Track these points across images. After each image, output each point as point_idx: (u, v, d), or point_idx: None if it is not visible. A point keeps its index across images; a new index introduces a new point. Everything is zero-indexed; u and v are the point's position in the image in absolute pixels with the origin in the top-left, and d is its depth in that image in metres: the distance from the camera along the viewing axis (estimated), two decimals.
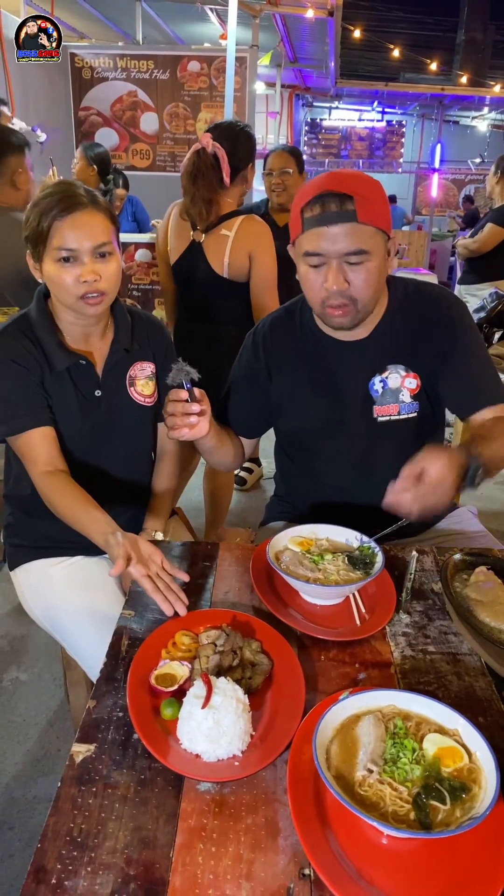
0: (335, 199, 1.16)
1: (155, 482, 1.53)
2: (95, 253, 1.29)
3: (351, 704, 0.78)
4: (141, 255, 4.86)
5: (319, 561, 1.11)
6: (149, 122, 6.22)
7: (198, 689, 0.83)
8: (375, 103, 11.97)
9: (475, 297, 3.66)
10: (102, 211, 1.32)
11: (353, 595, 1.10)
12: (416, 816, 0.66)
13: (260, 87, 9.22)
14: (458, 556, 1.17)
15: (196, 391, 1.17)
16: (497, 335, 2.74)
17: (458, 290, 4.27)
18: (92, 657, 1.24)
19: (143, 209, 5.41)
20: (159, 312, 5.00)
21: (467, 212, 11.78)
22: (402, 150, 13.21)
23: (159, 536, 1.42)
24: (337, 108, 12.64)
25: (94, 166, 3.96)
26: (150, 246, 4.85)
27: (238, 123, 2.34)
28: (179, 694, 0.87)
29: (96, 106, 6.24)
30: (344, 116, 13.04)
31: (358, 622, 1.04)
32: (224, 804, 0.74)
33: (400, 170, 13.23)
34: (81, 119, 6.28)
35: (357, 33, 7.37)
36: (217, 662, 0.92)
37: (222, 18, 5.57)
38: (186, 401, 1.16)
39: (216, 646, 0.95)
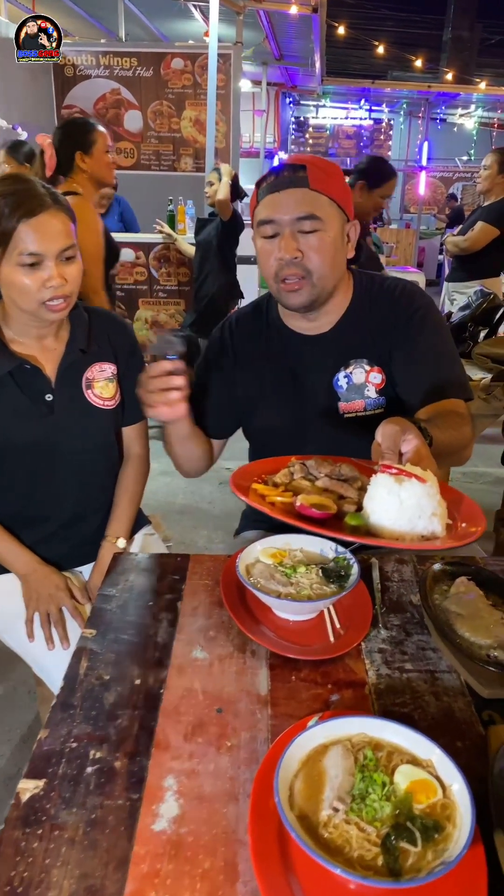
0: (288, 168, 1.19)
1: (119, 487, 1.47)
2: (61, 256, 1.24)
3: (318, 734, 0.73)
4: (125, 254, 4.80)
5: (292, 574, 1.05)
6: (133, 121, 6.15)
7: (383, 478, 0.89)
8: (363, 101, 11.95)
9: (463, 295, 3.62)
10: (64, 210, 1.27)
11: (328, 609, 1.04)
12: (385, 861, 0.61)
13: (246, 86, 9.18)
14: (437, 566, 1.12)
15: (180, 365, 1.12)
16: (483, 334, 2.70)
17: (447, 287, 4.24)
18: (57, 680, 1.18)
19: (130, 209, 5.34)
20: (144, 312, 4.95)
21: (452, 210, 11.80)
22: (389, 148, 13.20)
23: (122, 544, 1.37)
24: (324, 106, 12.62)
25: (27, 164, 3.82)
26: (134, 246, 4.79)
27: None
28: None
29: (79, 104, 6.15)
30: (331, 115, 13.02)
31: (332, 638, 0.99)
32: (181, 846, 0.68)
33: None
34: (64, 117, 6.18)
35: (342, 30, 7.33)
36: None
37: (206, 15, 5.50)
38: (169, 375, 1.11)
39: (308, 472, 1.04)
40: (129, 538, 1.48)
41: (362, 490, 0.98)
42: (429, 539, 0.86)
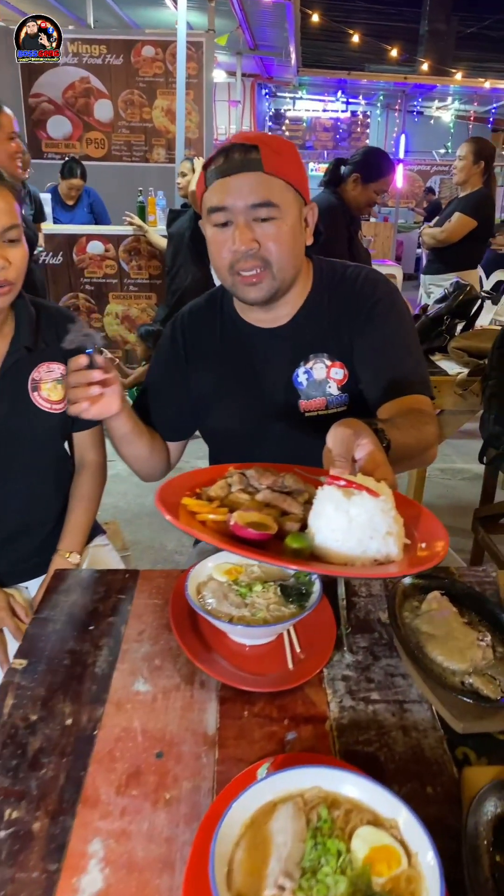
0: (239, 149, 1.08)
1: (73, 497, 1.36)
2: (4, 237, 1.12)
3: (265, 790, 0.63)
4: (93, 247, 4.66)
5: (247, 594, 0.95)
6: (103, 110, 5.98)
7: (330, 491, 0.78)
8: (339, 93, 11.86)
9: (439, 288, 3.54)
10: (7, 188, 1.15)
11: (287, 631, 0.94)
12: None
13: (220, 76, 9.02)
14: (407, 580, 1.03)
15: (99, 358, 1.02)
16: (459, 327, 2.62)
17: (423, 279, 4.17)
18: None
19: (100, 201, 5.20)
20: (115, 306, 4.81)
21: (429, 203, 11.76)
22: (367, 141, 13.13)
23: (75, 559, 1.26)
24: (301, 98, 12.50)
25: None
26: (103, 238, 4.65)
27: None
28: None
29: (47, 92, 5.97)
30: (308, 107, 12.91)
31: (291, 665, 0.89)
32: None
33: None
34: (32, 106, 6.00)
35: (315, 17, 7.21)
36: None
37: (176, 1, 5.35)
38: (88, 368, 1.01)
39: (248, 484, 0.91)
40: (84, 552, 1.37)
41: (309, 504, 0.86)
42: (382, 563, 0.75)
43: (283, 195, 1.09)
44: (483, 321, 2.89)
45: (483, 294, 2.82)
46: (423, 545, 0.76)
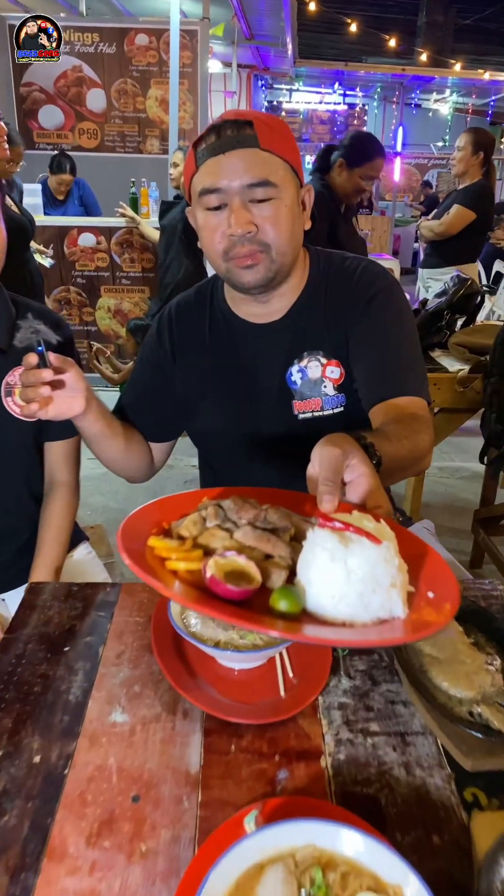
0: (232, 125, 1.00)
1: (42, 523, 1.26)
2: None
3: (252, 847, 0.55)
4: (85, 239, 4.56)
5: None
6: (96, 100, 5.86)
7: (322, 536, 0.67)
8: (336, 85, 11.73)
9: (438, 282, 3.46)
10: None
11: (280, 654, 0.87)
12: None
13: (216, 66, 8.89)
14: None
15: (52, 356, 0.94)
16: (459, 322, 2.54)
17: (421, 273, 4.08)
18: None
19: (90, 192, 5.09)
20: (107, 300, 4.71)
21: (427, 197, 11.65)
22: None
23: None
24: (297, 90, 12.37)
25: None
26: (95, 230, 4.55)
27: None
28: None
29: (39, 81, 5.84)
30: (304, 99, 12.78)
31: (283, 692, 0.81)
32: None
33: None
34: (23, 96, 5.88)
35: (312, 6, 7.09)
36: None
37: None
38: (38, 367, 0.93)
39: (225, 517, 0.77)
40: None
41: (297, 542, 0.75)
42: (386, 621, 0.64)
43: (280, 174, 1.01)
44: (481, 315, 2.81)
45: (484, 288, 2.74)
46: (431, 594, 0.66)
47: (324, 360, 1.12)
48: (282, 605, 0.64)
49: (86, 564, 1.33)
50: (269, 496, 0.84)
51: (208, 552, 0.71)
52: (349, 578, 0.61)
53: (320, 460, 0.73)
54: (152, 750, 0.74)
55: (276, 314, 1.14)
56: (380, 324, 1.10)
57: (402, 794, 0.69)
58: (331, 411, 1.13)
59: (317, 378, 1.12)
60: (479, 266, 3.75)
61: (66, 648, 0.89)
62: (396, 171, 11.12)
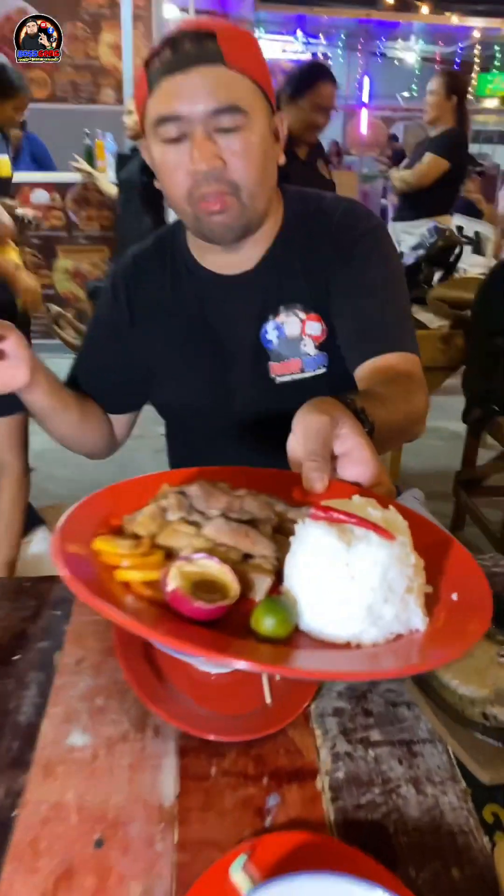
0: (192, 38, 0.84)
1: None
2: None
3: None
4: (38, 196, 4.29)
5: None
6: None
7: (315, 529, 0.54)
8: (298, 32, 11.26)
9: (412, 235, 3.32)
10: None
11: None
12: None
13: (172, 11, 8.40)
14: None
15: None
16: (437, 276, 2.42)
17: (394, 227, 3.93)
18: None
19: (42, 146, 4.76)
20: (65, 261, 4.47)
21: (394, 151, 11.37)
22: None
23: None
24: (259, 38, 11.86)
25: None
26: (49, 186, 4.28)
27: None
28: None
29: None
30: (267, 48, 12.28)
31: (268, 698, 0.71)
32: None
33: None
34: None
35: None
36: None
37: None
38: None
39: (190, 507, 0.63)
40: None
41: (282, 534, 0.61)
42: (402, 637, 0.52)
43: (250, 98, 0.86)
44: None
45: (463, 239, 2.62)
46: (455, 596, 0.55)
47: (303, 315, 0.99)
48: (267, 623, 0.51)
49: (40, 554, 1.20)
50: (245, 477, 0.71)
51: (171, 555, 0.59)
52: (354, 587, 0.50)
53: (304, 430, 0.61)
54: (119, 779, 0.63)
55: (247, 264, 1.00)
56: (365, 271, 0.97)
57: (413, 818, 0.60)
58: (312, 373, 1.00)
59: (295, 336, 0.99)
60: (453, 218, 3.61)
61: (16, 657, 0.77)
62: (363, 123, 10.82)
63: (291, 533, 0.58)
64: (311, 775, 0.63)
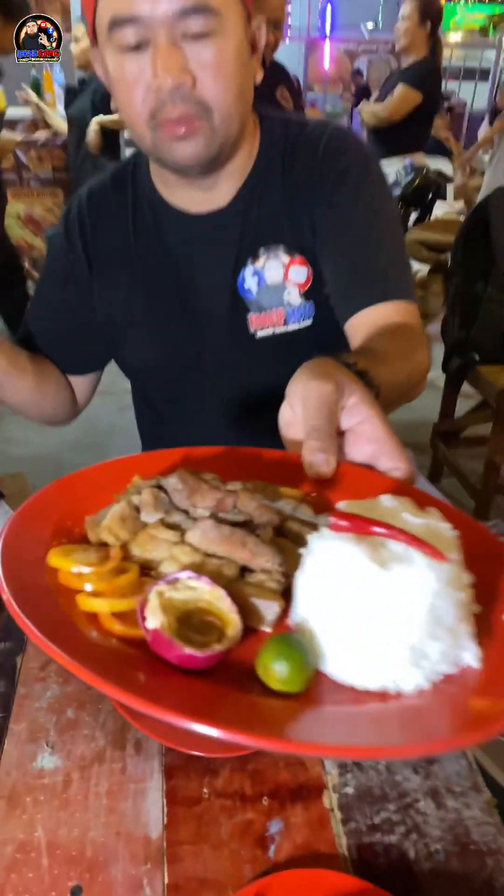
0: None
1: None
2: None
3: None
4: None
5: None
6: None
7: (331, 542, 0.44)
8: None
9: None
10: None
11: None
12: None
13: None
14: None
15: None
16: (413, 216, 2.29)
17: None
18: None
19: None
20: (16, 206, 4.16)
21: (357, 88, 10.90)
22: (288, 15, 11.94)
23: None
24: None
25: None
26: None
27: None
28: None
29: None
30: None
31: None
32: None
33: (288, 38, 12.02)
34: None
35: None
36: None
37: None
38: None
39: (169, 505, 0.52)
40: None
41: (290, 539, 0.50)
42: (454, 678, 0.41)
43: None
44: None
45: (439, 178, 2.48)
46: None
47: (286, 259, 0.87)
48: (279, 672, 0.40)
49: None
50: (234, 460, 0.60)
51: (147, 569, 0.48)
52: (393, 621, 0.40)
53: (304, 400, 0.51)
54: (96, 809, 0.54)
55: (220, 200, 0.87)
56: (354, 208, 0.85)
57: (436, 838, 0.53)
58: (297, 326, 0.89)
59: (277, 283, 0.87)
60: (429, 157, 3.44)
61: None
62: (326, 57, 10.34)
63: (295, 535, 0.48)
64: (316, 792, 0.56)
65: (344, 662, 0.42)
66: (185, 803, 0.55)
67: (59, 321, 0.97)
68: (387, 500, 0.46)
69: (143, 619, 0.42)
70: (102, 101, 3.23)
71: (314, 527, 0.50)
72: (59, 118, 3.79)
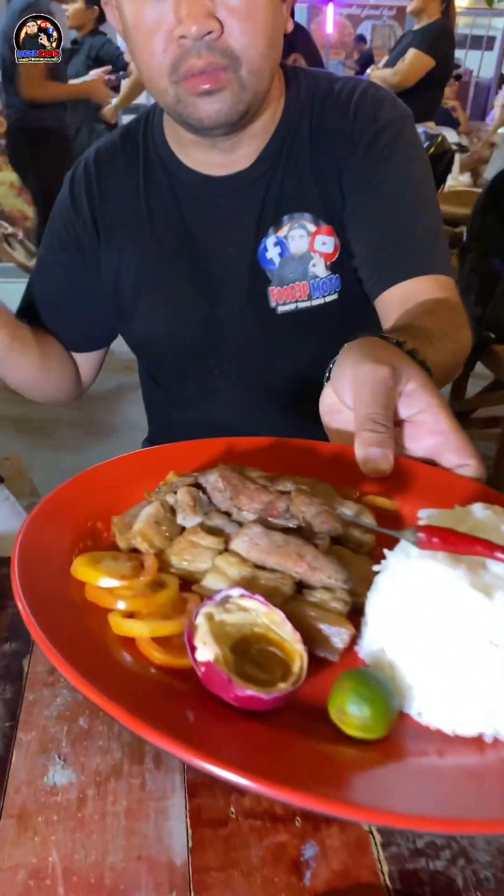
0: None
1: None
2: None
3: None
4: None
5: None
6: None
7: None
8: None
9: None
10: None
11: None
12: None
13: None
14: None
15: None
16: None
17: None
18: None
19: None
20: (7, 175, 4.02)
21: (361, 55, 10.61)
22: None
23: None
24: None
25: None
26: None
27: None
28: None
29: None
30: None
31: None
32: None
33: None
34: None
35: None
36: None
37: None
38: None
39: (209, 506, 0.46)
40: None
41: (349, 546, 0.44)
42: None
43: None
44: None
45: (455, 147, 2.39)
46: None
47: (312, 228, 0.81)
48: (356, 714, 0.35)
49: (5, 528, 1.02)
50: (281, 453, 0.55)
51: (188, 581, 0.43)
52: (498, 658, 0.35)
53: (355, 385, 0.45)
54: (114, 830, 0.50)
55: (241, 163, 0.80)
56: (387, 174, 0.79)
57: (483, 864, 0.48)
58: (322, 300, 0.83)
59: (303, 253, 0.81)
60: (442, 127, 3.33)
61: None
62: (329, 21, 10.04)
63: (356, 544, 0.43)
64: None
65: (435, 705, 0.37)
66: (210, 824, 0.50)
67: (64, 293, 0.91)
68: (479, 511, 0.41)
69: (193, 648, 0.37)
70: (97, 62, 3.10)
71: (393, 539, 0.44)
72: None
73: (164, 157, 0.84)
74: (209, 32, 0.66)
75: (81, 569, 0.42)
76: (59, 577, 0.41)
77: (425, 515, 0.42)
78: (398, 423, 0.47)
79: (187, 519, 0.45)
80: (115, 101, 3.20)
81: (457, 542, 0.37)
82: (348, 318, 0.83)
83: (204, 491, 0.46)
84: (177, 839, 0.49)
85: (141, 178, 0.85)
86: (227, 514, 0.45)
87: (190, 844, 0.49)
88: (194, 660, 0.37)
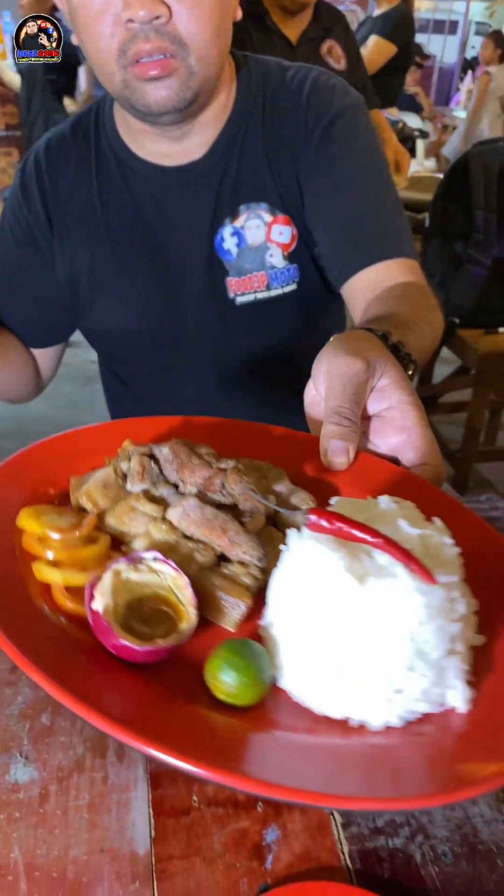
0: None
1: None
2: None
3: None
4: None
5: None
6: None
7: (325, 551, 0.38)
8: None
9: None
10: None
11: None
12: None
13: None
14: None
15: None
16: None
17: None
18: None
19: None
20: None
21: None
22: None
23: None
24: None
25: None
26: None
27: None
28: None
29: None
30: None
31: None
32: None
33: None
34: None
35: None
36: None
37: None
38: None
39: (157, 476, 0.47)
40: None
41: (279, 525, 0.45)
42: (433, 719, 0.37)
43: None
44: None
45: (416, 133, 2.40)
46: None
47: (268, 217, 0.80)
48: (226, 683, 0.37)
49: None
50: (245, 435, 0.55)
51: (120, 542, 0.44)
52: (366, 644, 0.35)
53: (328, 377, 0.46)
54: (76, 824, 0.50)
55: (194, 152, 0.80)
56: (345, 162, 0.79)
57: (441, 839, 0.50)
58: (280, 290, 0.83)
59: (259, 244, 0.81)
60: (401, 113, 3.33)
61: None
62: None
63: (292, 526, 0.43)
64: None
65: (305, 683, 0.37)
66: (173, 814, 0.51)
67: (19, 288, 0.89)
68: (384, 502, 0.41)
69: (91, 598, 0.38)
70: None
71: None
72: (10, 72, 3.57)
73: (116, 148, 0.82)
74: (157, 17, 0.65)
75: (24, 519, 0.43)
76: (6, 526, 0.43)
77: (335, 502, 0.43)
78: (367, 418, 0.47)
79: (134, 486, 0.46)
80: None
81: (342, 528, 0.37)
82: (307, 307, 0.83)
83: (157, 461, 0.47)
84: (139, 830, 0.50)
85: (93, 167, 0.83)
86: (175, 486, 0.46)
87: (153, 834, 0.49)
88: (88, 608, 0.38)
